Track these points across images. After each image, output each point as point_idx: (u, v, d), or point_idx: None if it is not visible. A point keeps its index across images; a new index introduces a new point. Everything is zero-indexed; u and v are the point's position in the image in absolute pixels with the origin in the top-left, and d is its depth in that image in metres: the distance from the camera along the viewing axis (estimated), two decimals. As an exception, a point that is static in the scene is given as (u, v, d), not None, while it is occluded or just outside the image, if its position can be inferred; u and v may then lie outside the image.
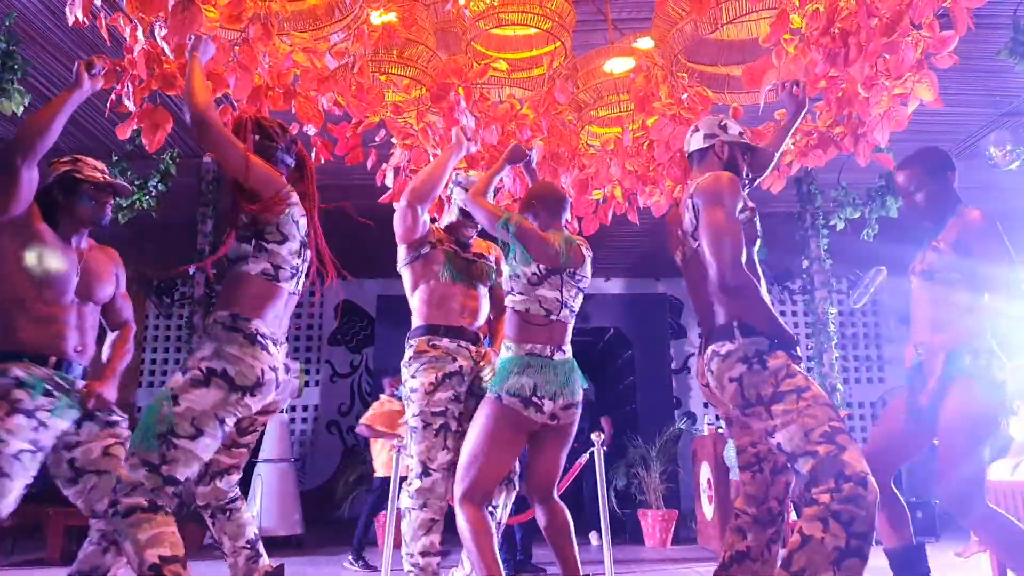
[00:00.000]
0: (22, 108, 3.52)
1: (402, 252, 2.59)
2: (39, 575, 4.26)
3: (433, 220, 2.75)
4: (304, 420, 9.12)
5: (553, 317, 2.29)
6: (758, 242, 2.16)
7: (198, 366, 1.95)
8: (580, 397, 2.33)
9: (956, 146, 6.51)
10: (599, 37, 4.52)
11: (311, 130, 2.91)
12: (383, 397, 5.64)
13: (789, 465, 1.97)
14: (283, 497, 6.05)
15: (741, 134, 2.26)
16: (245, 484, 6.11)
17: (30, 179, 2.14)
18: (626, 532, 6.50)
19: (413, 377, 2.42)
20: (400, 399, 5.63)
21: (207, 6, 2.03)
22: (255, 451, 6.13)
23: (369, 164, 3.22)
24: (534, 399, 2.20)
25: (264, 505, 5.91)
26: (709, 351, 2.04)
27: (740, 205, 2.04)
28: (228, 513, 2.26)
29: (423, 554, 2.30)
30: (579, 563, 2.37)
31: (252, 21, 2.09)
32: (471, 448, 2.25)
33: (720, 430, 5.57)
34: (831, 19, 2.20)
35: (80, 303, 2.28)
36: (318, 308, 9.40)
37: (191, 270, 6.13)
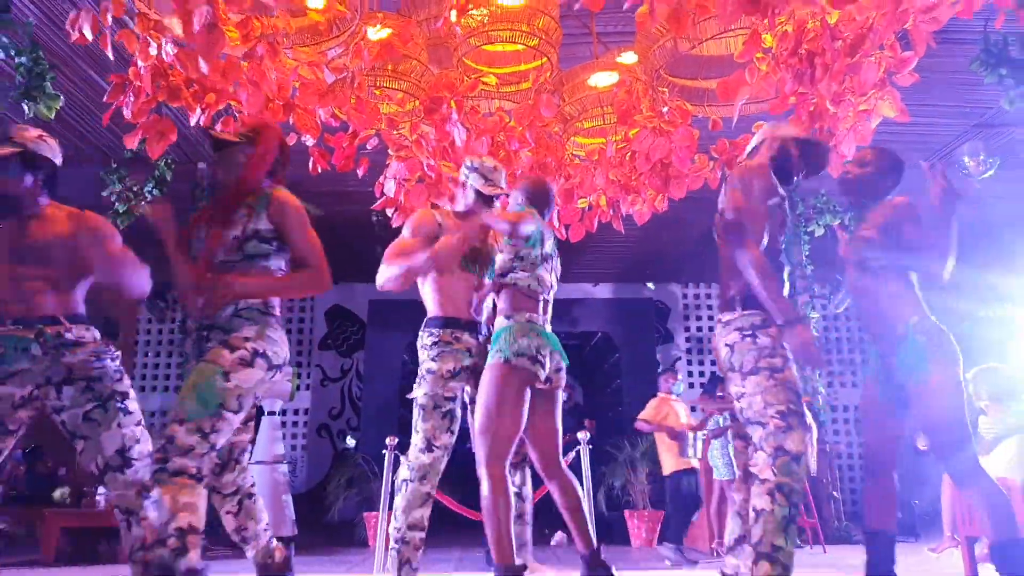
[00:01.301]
0: (54, 112, 3.62)
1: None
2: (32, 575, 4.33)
3: (435, 206, 2.88)
4: (295, 424, 9.19)
5: (544, 296, 2.60)
6: (786, 228, 2.33)
7: (245, 347, 2.08)
8: (566, 364, 2.60)
9: (931, 155, 6.71)
10: (584, 50, 4.67)
11: (309, 140, 3.03)
12: (660, 394, 5.72)
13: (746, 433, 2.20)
14: (275, 499, 6.12)
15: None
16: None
17: None
18: (613, 532, 6.62)
19: (432, 360, 2.57)
20: (677, 396, 5.75)
21: (227, 27, 2.15)
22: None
23: (360, 173, 3.35)
24: (539, 357, 2.47)
25: (257, 507, 5.97)
26: (717, 320, 2.32)
27: (770, 190, 2.22)
28: (252, 498, 2.39)
29: (411, 527, 2.45)
30: (592, 535, 2.61)
31: (260, 40, 2.22)
32: (485, 412, 2.44)
33: (703, 432, 5.71)
34: (799, 41, 2.36)
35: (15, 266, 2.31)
36: (309, 312, 9.49)
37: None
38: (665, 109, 3.07)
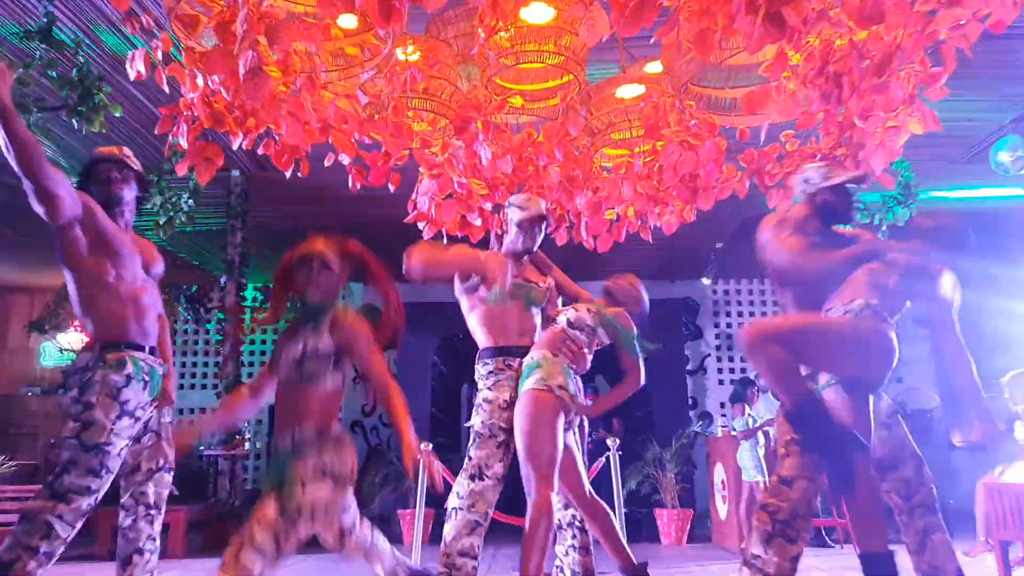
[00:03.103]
0: (98, 124, 3.69)
1: (457, 283, 2.80)
2: (88, 567, 4.56)
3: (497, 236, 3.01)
4: (329, 421, 9.39)
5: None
6: None
7: None
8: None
9: (966, 151, 6.59)
10: (611, 55, 4.69)
11: (345, 159, 3.14)
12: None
13: None
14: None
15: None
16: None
17: (56, 187, 2.19)
18: (642, 531, 6.68)
19: (489, 389, 2.64)
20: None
21: (269, 67, 2.25)
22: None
23: (393, 188, 3.45)
24: (573, 396, 2.58)
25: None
26: None
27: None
28: None
29: (461, 554, 2.44)
30: (630, 553, 2.69)
31: (299, 75, 2.32)
32: (531, 435, 2.47)
33: (734, 433, 5.74)
34: (825, 60, 2.38)
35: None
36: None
37: (222, 280, 6.43)
38: (692, 123, 3.10)
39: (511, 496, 5.12)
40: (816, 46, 2.48)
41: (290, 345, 2.15)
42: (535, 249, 2.87)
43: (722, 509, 5.85)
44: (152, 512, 2.45)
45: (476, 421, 2.61)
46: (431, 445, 4.04)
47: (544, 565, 2.38)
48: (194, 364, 9.69)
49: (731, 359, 9.61)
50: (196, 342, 9.75)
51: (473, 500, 2.49)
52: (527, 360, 2.63)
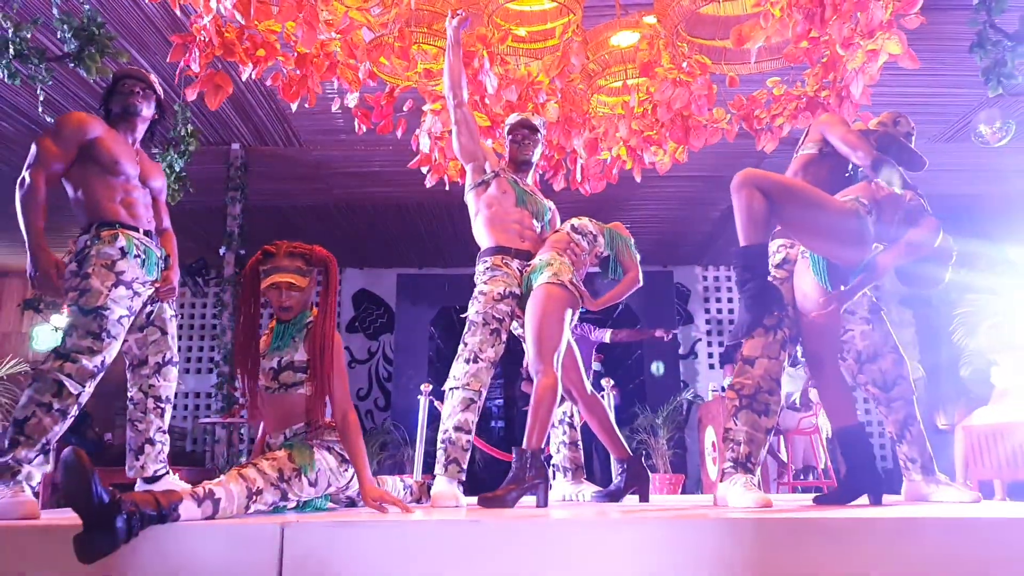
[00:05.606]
0: (95, 69, 3.72)
1: (468, 178, 2.96)
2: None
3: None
4: (325, 403, 9.43)
5: None
6: None
7: None
8: None
9: (949, 128, 6.78)
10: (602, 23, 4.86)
11: (351, 101, 3.25)
12: None
13: None
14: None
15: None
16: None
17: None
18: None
19: (485, 283, 2.81)
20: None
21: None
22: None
23: (400, 133, 3.55)
24: (582, 295, 2.75)
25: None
26: None
27: None
28: None
29: (457, 428, 2.62)
30: (626, 445, 2.91)
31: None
32: (540, 320, 2.63)
33: (723, 394, 5.86)
34: (809, -18, 2.53)
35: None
36: (336, 296, 9.67)
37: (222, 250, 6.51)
38: (684, 64, 3.24)
39: (508, 436, 5.14)
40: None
41: (266, 356, 2.18)
42: (532, 160, 3.02)
43: (712, 471, 5.96)
44: (163, 405, 2.56)
45: (471, 311, 2.78)
46: (431, 386, 4.13)
47: (544, 437, 2.52)
48: (189, 348, 9.70)
49: (721, 344, 9.76)
50: (191, 326, 9.78)
51: (468, 380, 2.66)
52: (537, 259, 2.80)
